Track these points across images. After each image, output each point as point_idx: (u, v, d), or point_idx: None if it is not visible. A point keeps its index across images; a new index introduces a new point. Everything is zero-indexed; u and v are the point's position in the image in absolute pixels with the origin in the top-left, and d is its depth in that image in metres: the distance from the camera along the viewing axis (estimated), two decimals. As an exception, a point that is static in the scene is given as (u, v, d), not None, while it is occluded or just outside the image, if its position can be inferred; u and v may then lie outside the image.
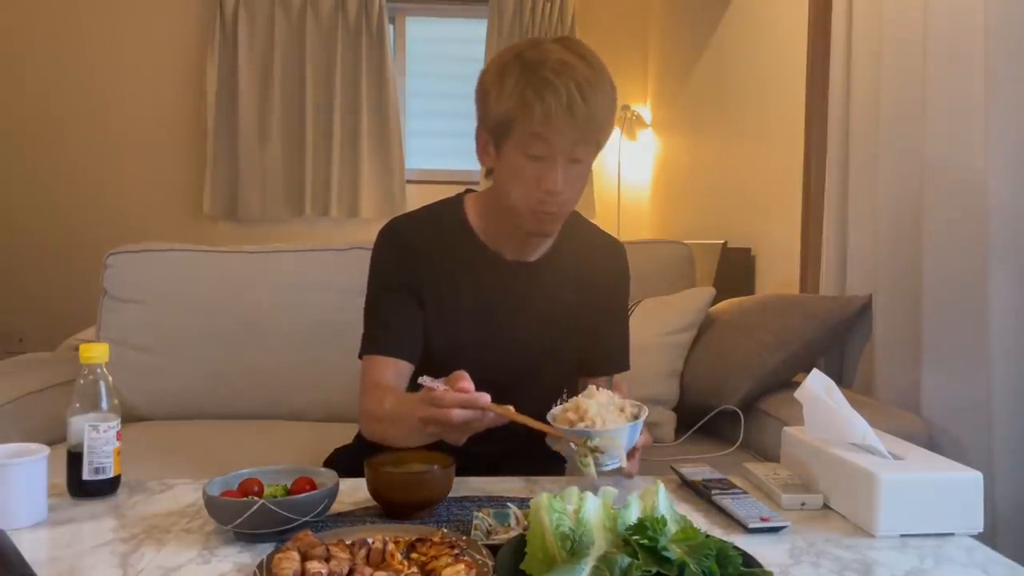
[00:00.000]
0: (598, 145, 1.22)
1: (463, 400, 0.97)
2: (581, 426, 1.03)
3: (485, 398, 0.97)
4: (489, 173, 1.26)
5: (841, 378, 1.93)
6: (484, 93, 1.22)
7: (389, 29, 4.04)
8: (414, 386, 1.15)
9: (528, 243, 1.29)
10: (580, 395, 1.08)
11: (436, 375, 1.29)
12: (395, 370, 1.23)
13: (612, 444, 1.02)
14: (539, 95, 1.13)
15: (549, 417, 1.07)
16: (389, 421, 1.18)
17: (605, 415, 1.04)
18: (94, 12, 3.90)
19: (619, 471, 1.05)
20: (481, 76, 1.23)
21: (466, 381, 0.98)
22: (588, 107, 1.13)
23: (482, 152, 1.26)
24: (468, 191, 1.37)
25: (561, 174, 1.17)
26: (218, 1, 3.85)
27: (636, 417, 1.06)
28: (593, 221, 1.42)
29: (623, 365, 1.40)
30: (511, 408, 1.00)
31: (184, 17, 3.94)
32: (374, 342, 1.26)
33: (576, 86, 1.13)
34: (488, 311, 1.27)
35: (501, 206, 1.24)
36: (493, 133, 1.22)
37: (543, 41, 1.20)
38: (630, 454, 1.08)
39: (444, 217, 1.32)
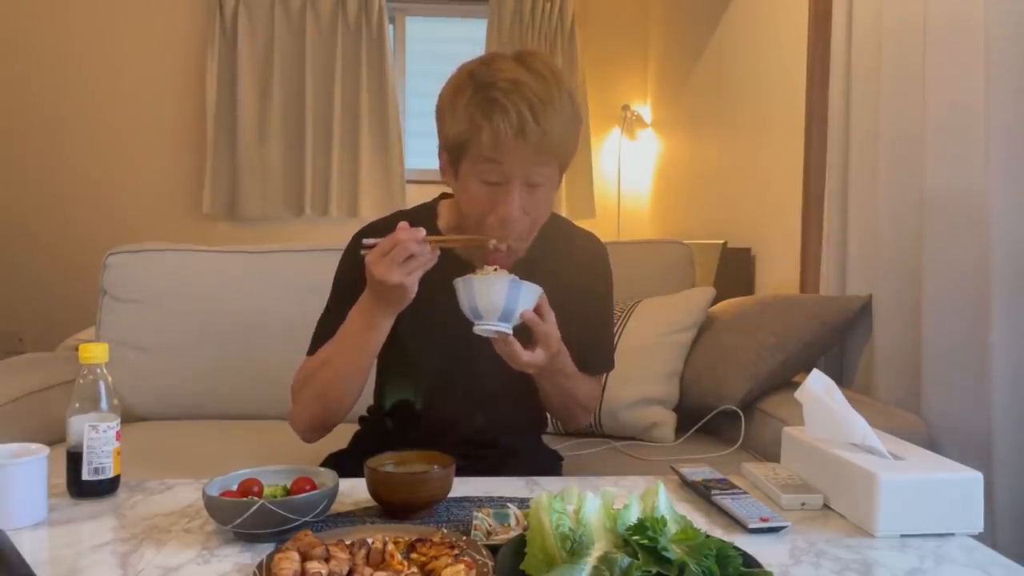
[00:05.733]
0: (561, 164, 1.16)
1: (412, 234, 1.07)
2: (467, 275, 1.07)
3: (421, 231, 1.08)
4: None
5: (841, 378, 1.93)
6: (439, 113, 1.17)
7: (389, 29, 4.04)
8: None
9: None
10: None
11: (416, 387, 1.29)
12: None
13: (490, 299, 1.04)
14: (488, 117, 1.08)
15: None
16: (324, 359, 1.19)
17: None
18: (94, 12, 3.90)
19: (504, 338, 1.07)
20: (440, 94, 1.18)
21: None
22: (541, 127, 1.07)
23: (443, 172, 1.21)
24: (443, 196, 1.33)
25: (518, 201, 1.12)
26: (218, 1, 3.85)
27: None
28: (593, 221, 1.41)
29: (607, 365, 1.36)
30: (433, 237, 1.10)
31: (184, 17, 3.94)
32: (315, 349, 1.25)
33: (528, 106, 1.07)
34: (459, 322, 1.13)
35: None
36: (450, 155, 1.17)
37: (497, 58, 1.14)
38: (528, 343, 1.09)
39: (414, 223, 1.29)
